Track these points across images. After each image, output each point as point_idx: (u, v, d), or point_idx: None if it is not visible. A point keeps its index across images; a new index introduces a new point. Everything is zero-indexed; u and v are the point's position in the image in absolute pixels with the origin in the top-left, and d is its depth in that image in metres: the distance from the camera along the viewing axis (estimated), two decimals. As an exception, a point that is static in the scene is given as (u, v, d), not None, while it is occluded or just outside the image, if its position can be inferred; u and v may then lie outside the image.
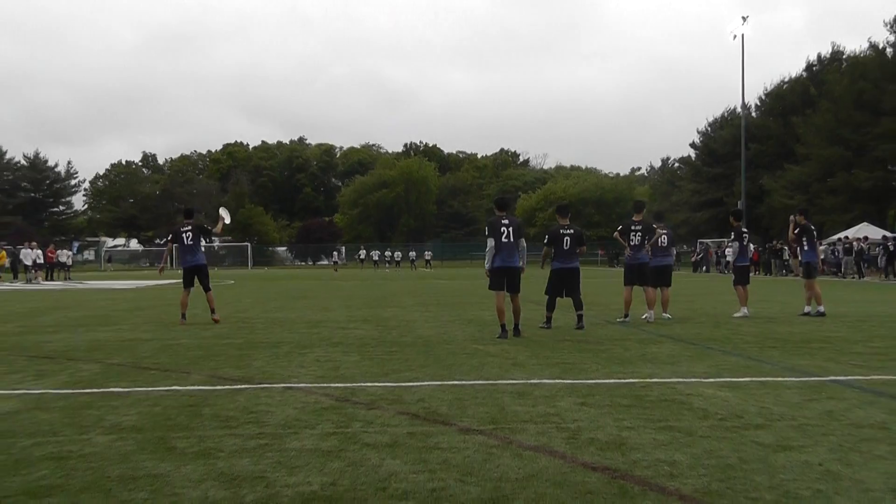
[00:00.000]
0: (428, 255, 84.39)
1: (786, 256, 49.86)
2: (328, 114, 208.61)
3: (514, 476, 4.98)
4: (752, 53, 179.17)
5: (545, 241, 14.85)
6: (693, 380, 8.67)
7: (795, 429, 6.23)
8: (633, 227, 16.07)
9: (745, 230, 17.71)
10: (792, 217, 18.09)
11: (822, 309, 17.03)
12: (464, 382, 8.59)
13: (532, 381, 8.66)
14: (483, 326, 14.89)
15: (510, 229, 13.06)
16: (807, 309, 17.43)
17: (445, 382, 8.59)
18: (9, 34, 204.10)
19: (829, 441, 5.84)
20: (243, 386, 8.51)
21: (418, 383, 8.56)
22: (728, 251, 17.85)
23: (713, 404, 7.21)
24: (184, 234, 16.33)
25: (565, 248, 14.46)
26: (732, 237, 18.16)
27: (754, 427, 6.30)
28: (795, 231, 17.85)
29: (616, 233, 16.54)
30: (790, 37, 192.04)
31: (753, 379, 8.74)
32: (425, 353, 11.16)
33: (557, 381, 8.67)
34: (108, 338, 13.68)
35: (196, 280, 16.33)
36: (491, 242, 13.06)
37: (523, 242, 13.33)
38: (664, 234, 16.81)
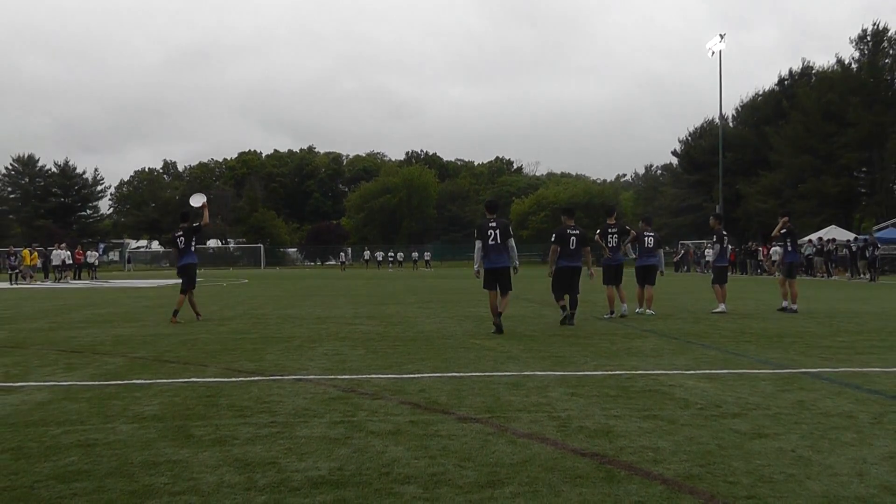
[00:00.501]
0: (427, 255, 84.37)
1: (760, 257, 49.88)
2: (337, 124, 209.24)
3: (509, 461, 4.98)
4: (730, 68, 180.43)
5: (552, 239, 14.57)
6: (675, 372, 8.67)
7: (769, 417, 6.23)
8: (609, 231, 16.10)
9: (724, 232, 17.72)
10: (784, 217, 17.97)
11: (795, 307, 17.04)
12: (462, 374, 8.59)
13: (525, 373, 8.66)
14: (479, 322, 14.88)
15: (497, 231, 12.96)
16: (784, 304, 17.47)
17: (445, 374, 8.59)
18: (47, 52, 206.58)
19: (800, 429, 5.83)
20: (257, 378, 8.51)
21: (419, 375, 8.56)
22: (708, 252, 17.91)
23: (694, 395, 7.21)
24: (177, 239, 16.32)
25: (571, 247, 14.35)
26: (714, 239, 18.01)
27: (732, 416, 6.29)
28: (781, 231, 17.84)
29: (596, 236, 16.46)
30: (765, 53, 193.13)
31: (731, 371, 8.74)
32: (426, 347, 11.16)
33: (549, 373, 8.66)
34: (132, 333, 13.67)
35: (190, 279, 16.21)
36: (478, 244, 13.03)
37: (512, 242, 13.07)
38: (650, 236, 16.82)
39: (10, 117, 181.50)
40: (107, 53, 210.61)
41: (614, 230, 16.11)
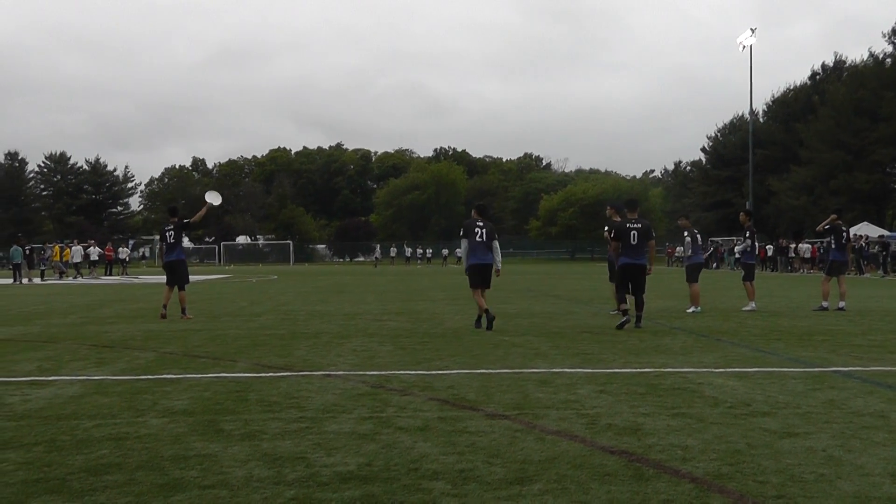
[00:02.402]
0: (458, 252, 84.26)
1: (791, 254, 49.51)
2: (369, 121, 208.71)
3: (537, 458, 4.97)
4: (766, 63, 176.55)
5: (611, 234, 13.99)
6: (704, 370, 8.62)
7: (800, 416, 6.18)
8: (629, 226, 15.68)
9: (754, 228, 17.55)
10: (834, 214, 17.71)
11: (841, 304, 16.82)
12: (490, 371, 8.59)
13: (554, 370, 8.64)
14: (508, 319, 14.86)
15: (484, 231, 13.19)
16: (823, 304, 16.96)
17: (473, 371, 8.59)
18: (86, 52, 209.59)
19: (831, 428, 5.78)
20: (286, 373, 8.55)
21: (448, 371, 8.56)
22: (737, 247, 17.62)
23: (723, 393, 7.16)
24: (167, 233, 16.14)
25: (633, 242, 13.42)
26: (747, 234, 17.62)
27: (761, 414, 6.25)
28: (826, 227, 17.65)
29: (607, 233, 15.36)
30: (803, 47, 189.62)
31: (760, 369, 8.68)
32: (454, 343, 11.16)
33: (577, 370, 8.64)
34: (162, 328, 13.77)
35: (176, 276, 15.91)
36: (464, 243, 13.30)
37: (497, 245, 13.34)
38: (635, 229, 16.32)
39: (47, 115, 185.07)
40: (144, 53, 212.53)
41: (636, 225, 15.88)
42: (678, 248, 63.09)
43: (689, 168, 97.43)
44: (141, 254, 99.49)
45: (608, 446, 5.25)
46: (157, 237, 18.08)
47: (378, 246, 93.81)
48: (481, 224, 13.29)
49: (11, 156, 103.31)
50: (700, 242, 17.54)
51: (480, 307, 13.10)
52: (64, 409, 6.63)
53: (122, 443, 5.47)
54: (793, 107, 75.95)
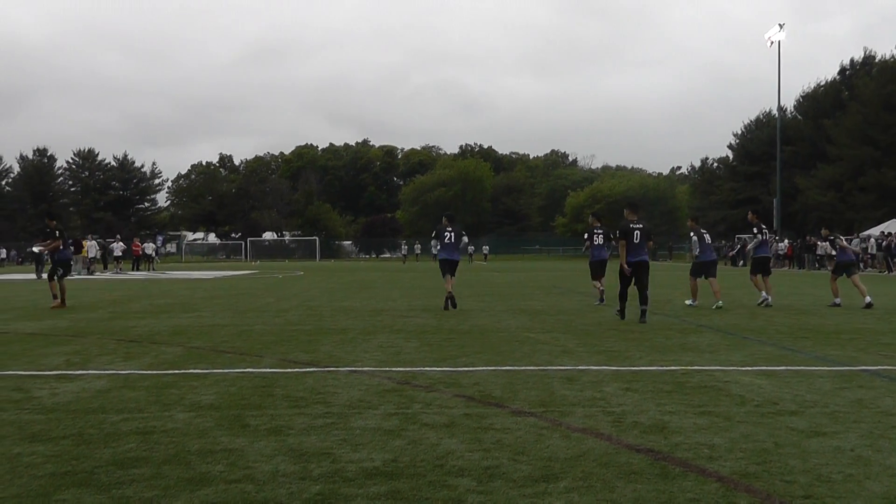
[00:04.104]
0: (485, 249, 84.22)
1: (819, 251, 49.09)
2: (400, 118, 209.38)
3: (563, 456, 4.96)
4: (800, 59, 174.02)
5: (617, 234, 14.67)
6: (731, 368, 8.57)
7: (827, 416, 6.13)
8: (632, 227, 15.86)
9: (763, 225, 18.56)
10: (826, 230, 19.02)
11: (867, 300, 17.08)
12: (516, 368, 8.58)
13: (580, 367, 8.62)
14: (534, 316, 14.85)
15: (452, 234, 17.00)
16: (867, 300, 17.10)
17: (499, 368, 8.59)
18: (122, 50, 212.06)
19: (859, 428, 5.73)
20: (312, 369, 8.58)
21: (474, 368, 8.56)
22: (750, 245, 18.73)
23: (750, 391, 7.12)
24: (59, 231, 18.52)
25: (635, 241, 14.18)
26: (755, 231, 18.49)
27: (788, 413, 6.20)
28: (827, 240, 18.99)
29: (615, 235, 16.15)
30: (837, 43, 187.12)
31: (787, 368, 8.61)
32: (480, 340, 11.16)
33: (603, 367, 8.62)
34: (189, 323, 13.86)
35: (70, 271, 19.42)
36: (435, 242, 17.64)
37: (464, 241, 17.30)
38: (638, 229, 16.39)
39: (79, 112, 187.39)
40: (180, 52, 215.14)
41: (638, 225, 15.96)
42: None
43: (716, 165, 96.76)
44: (167, 250, 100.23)
45: (634, 444, 5.24)
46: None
47: (404, 242, 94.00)
48: (450, 229, 17.05)
49: (40, 152, 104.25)
50: (709, 242, 18.24)
51: (447, 290, 16.63)
52: (91, 403, 6.69)
53: (149, 437, 5.51)
54: (822, 102, 75.16)
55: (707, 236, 18.08)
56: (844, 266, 18.04)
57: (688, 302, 17.69)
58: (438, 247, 17.25)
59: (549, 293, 22.79)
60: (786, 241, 54.42)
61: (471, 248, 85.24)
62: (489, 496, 4.21)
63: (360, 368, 8.55)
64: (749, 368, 8.54)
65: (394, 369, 8.51)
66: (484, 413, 6.23)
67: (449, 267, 16.93)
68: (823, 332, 12.30)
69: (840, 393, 7.06)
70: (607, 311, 15.26)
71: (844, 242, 19.14)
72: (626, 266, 14.00)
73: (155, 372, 8.45)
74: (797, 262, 52.68)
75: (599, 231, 18.51)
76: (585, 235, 18.83)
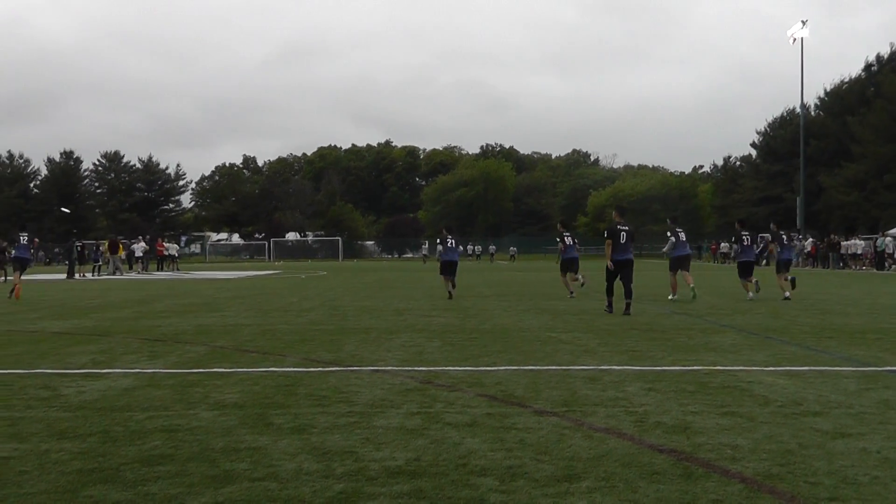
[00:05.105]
0: (513, 250, 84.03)
1: (843, 250, 48.71)
2: (425, 119, 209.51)
3: (586, 456, 4.95)
4: (828, 55, 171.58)
5: (605, 235, 16.06)
6: (754, 368, 8.52)
7: (852, 416, 6.08)
8: (619, 228, 16.00)
9: (744, 233, 19.99)
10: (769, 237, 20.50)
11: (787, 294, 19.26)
12: (538, 367, 8.56)
13: (602, 367, 8.60)
14: (556, 315, 14.82)
15: (453, 241, 20.74)
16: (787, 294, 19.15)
17: (521, 367, 8.58)
18: (148, 53, 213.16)
19: (885, 429, 5.67)
20: (335, 368, 8.60)
21: (496, 368, 8.56)
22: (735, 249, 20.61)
23: (773, 391, 7.07)
24: (21, 237, 23.31)
25: (622, 241, 15.73)
26: (739, 238, 19.99)
27: (813, 414, 6.16)
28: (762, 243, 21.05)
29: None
30: (867, 38, 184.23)
31: (811, 368, 8.55)
32: (503, 340, 11.15)
33: (626, 367, 8.59)
34: (213, 323, 13.93)
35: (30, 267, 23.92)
36: (440, 247, 21.03)
37: (460, 248, 20.19)
38: (625, 230, 16.41)
39: (105, 114, 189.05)
40: (206, 55, 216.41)
41: (625, 227, 16.07)
42: (722, 244, 63.96)
43: (738, 163, 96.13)
44: (190, 250, 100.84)
45: (657, 445, 5.22)
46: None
47: (426, 242, 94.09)
48: (451, 237, 20.76)
49: (67, 154, 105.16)
50: (683, 239, 19.60)
51: (447, 288, 20.03)
52: (117, 401, 6.74)
53: (174, 435, 5.54)
54: (847, 99, 74.22)
55: (682, 234, 19.65)
56: (784, 263, 20.45)
57: (670, 296, 19.12)
58: (441, 251, 20.82)
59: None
60: (810, 239, 53.94)
61: (492, 248, 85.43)
62: (511, 496, 4.20)
63: (383, 368, 8.57)
64: (772, 369, 8.48)
65: (416, 368, 8.52)
66: (506, 413, 6.23)
67: (449, 267, 20.32)
68: (848, 332, 12.20)
69: (865, 394, 7.00)
70: (638, 314, 15.18)
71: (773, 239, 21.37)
72: (611, 263, 15.54)
73: (180, 371, 8.50)
74: (821, 261, 52.28)
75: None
76: (558, 239, 21.23)
